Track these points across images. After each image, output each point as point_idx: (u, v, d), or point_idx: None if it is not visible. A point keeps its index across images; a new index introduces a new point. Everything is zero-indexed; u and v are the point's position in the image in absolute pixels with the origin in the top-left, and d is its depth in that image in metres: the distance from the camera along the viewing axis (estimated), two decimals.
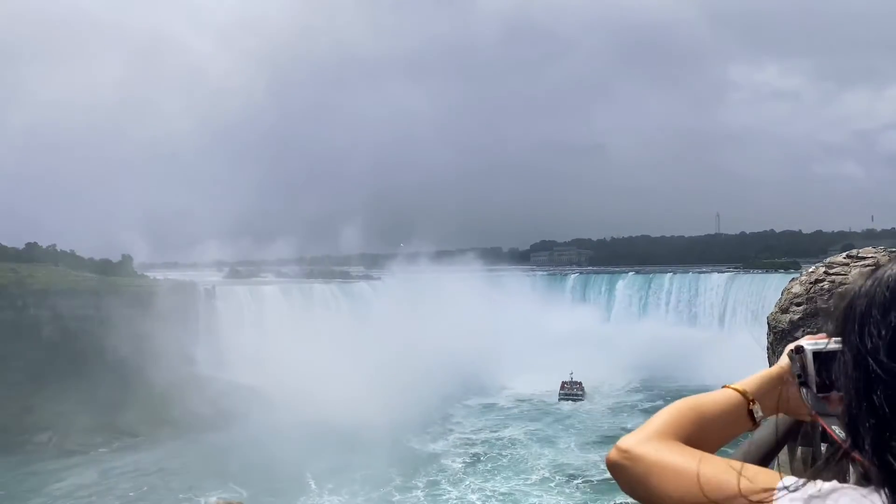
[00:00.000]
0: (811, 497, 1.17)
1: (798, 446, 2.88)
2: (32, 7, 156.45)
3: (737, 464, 1.37)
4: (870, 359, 1.14)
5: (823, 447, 2.85)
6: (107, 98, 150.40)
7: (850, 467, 1.20)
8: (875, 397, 1.12)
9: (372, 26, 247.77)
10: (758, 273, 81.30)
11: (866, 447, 1.13)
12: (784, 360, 1.64)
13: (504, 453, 47.75)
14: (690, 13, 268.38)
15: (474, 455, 47.41)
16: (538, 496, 40.06)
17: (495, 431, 53.36)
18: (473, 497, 40.32)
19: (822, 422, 1.55)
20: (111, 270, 69.33)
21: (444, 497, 40.51)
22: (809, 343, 1.55)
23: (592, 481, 40.40)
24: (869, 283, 1.21)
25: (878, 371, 1.12)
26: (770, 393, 1.65)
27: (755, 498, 1.23)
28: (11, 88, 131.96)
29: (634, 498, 1.45)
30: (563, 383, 63.84)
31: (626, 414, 55.70)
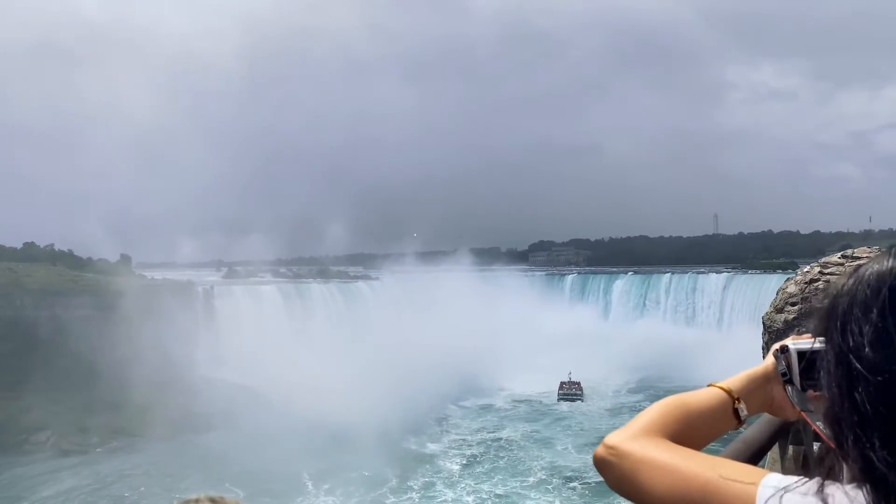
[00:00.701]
0: (797, 494, 1.19)
1: (789, 445, 2.89)
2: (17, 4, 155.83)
3: (724, 461, 1.38)
4: (851, 357, 1.14)
5: (816, 446, 2.87)
6: (96, 95, 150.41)
7: (845, 466, 1.21)
8: (857, 395, 1.12)
9: (367, 26, 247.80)
10: (756, 273, 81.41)
11: (848, 444, 1.15)
12: (769, 360, 1.65)
13: (501, 455, 47.61)
14: (687, 14, 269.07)
15: (471, 456, 47.26)
16: (535, 499, 39.93)
17: (492, 432, 53.25)
18: (469, 499, 40.15)
19: (809, 420, 1.56)
20: (109, 270, 69.25)
21: (439, 499, 40.39)
22: (794, 342, 1.57)
23: (590, 483, 40.19)
24: (851, 281, 1.21)
25: (860, 369, 1.12)
26: (755, 392, 1.65)
27: (740, 495, 1.24)
28: None
29: (621, 494, 1.46)
30: (562, 383, 63.89)
31: (625, 415, 55.67)
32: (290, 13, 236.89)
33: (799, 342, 1.56)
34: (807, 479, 1.21)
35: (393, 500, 39.96)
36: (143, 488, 41.79)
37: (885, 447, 1.07)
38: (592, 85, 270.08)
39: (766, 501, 1.20)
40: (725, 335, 70.81)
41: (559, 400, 62.31)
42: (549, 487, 41.23)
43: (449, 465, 45.68)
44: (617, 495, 1.51)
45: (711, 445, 1.60)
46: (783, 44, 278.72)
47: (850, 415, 1.13)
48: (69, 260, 69.92)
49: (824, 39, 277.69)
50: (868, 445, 1.10)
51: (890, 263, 1.17)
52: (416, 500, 40.21)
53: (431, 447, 49.55)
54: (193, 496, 1.00)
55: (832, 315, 1.22)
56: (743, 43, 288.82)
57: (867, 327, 1.14)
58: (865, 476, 1.10)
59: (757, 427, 2.23)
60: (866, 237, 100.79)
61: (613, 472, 1.47)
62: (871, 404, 1.10)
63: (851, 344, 1.15)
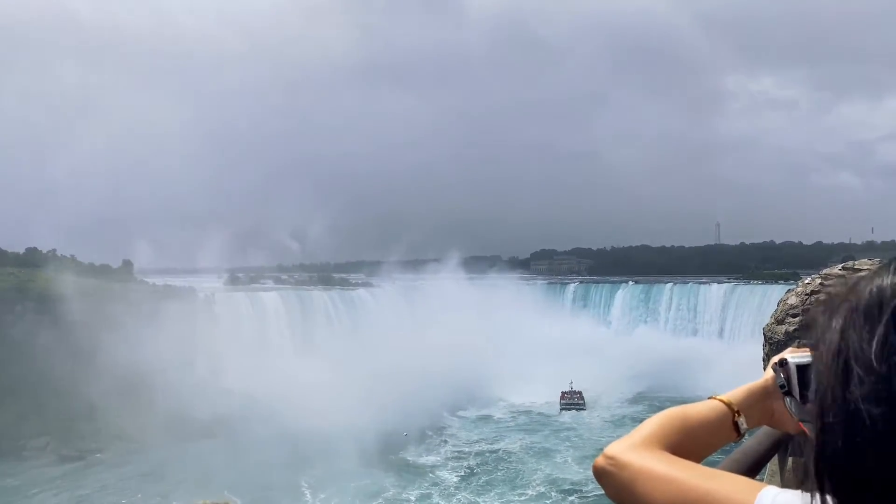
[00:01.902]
0: None
1: (788, 457, 2.89)
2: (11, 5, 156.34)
3: (722, 473, 1.39)
4: (843, 364, 1.15)
5: None
6: (96, 96, 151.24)
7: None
8: (847, 401, 1.13)
9: (364, 34, 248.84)
10: (758, 284, 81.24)
11: (834, 450, 1.15)
12: (769, 373, 1.66)
13: (499, 466, 47.19)
14: (687, 23, 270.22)
15: (468, 468, 46.85)
16: None
17: (491, 444, 52.83)
18: None
19: (808, 432, 1.56)
20: (111, 276, 69.34)
21: None
22: (793, 356, 1.57)
23: (589, 497, 39.86)
24: (849, 295, 1.23)
25: (856, 372, 1.13)
26: (755, 405, 1.65)
27: None
28: None
29: None
30: (563, 393, 63.57)
31: (626, 426, 55.29)
32: (284, 17, 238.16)
33: (798, 355, 1.56)
34: (804, 492, 1.21)
35: None
36: (139, 495, 41.60)
37: (870, 456, 1.08)
38: (593, 93, 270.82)
39: None
40: (727, 346, 70.62)
41: (561, 410, 61.92)
42: (548, 501, 40.86)
43: (446, 476, 45.34)
44: None
45: (711, 457, 1.61)
46: (783, 53, 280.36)
47: (838, 419, 1.12)
48: (71, 265, 69.98)
49: (824, 49, 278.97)
50: (855, 453, 1.11)
51: (890, 279, 1.18)
52: None
53: (429, 458, 49.23)
54: (199, 502, 1.01)
55: (829, 325, 1.23)
56: (743, 52, 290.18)
57: (862, 338, 1.15)
58: (849, 482, 1.11)
59: (756, 439, 2.23)
60: (869, 249, 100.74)
61: (612, 482, 1.48)
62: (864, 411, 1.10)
63: (850, 350, 1.15)
